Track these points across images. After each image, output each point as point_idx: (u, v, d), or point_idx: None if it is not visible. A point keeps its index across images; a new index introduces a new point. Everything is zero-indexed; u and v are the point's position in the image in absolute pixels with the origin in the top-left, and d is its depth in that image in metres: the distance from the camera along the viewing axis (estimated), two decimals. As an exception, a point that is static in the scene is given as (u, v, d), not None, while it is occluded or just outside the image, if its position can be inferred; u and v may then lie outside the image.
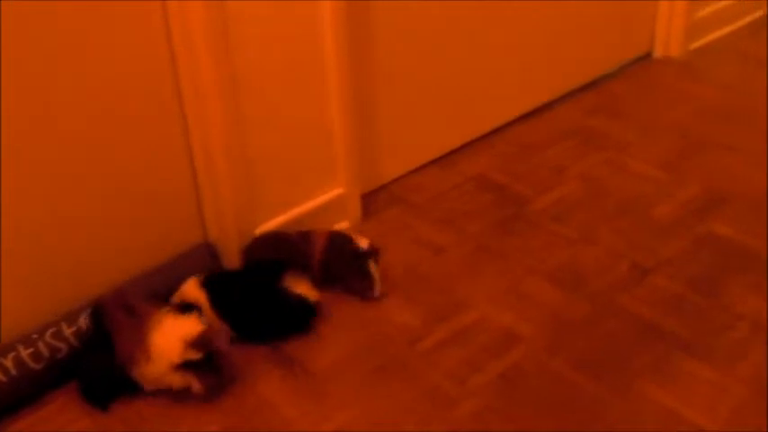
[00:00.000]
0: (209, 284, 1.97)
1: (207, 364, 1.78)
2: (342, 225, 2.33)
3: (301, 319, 2.01)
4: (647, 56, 3.20)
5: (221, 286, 1.98)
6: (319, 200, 2.27)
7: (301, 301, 2.00)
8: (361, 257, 2.07)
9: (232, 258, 2.13)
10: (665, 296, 2.08)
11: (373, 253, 2.08)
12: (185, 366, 1.77)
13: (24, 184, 1.80)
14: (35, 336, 1.84)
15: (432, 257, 2.24)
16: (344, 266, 2.09)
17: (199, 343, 1.76)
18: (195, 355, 1.76)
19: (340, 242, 2.10)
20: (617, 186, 2.50)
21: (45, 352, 1.82)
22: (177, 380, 1.79)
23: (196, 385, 1.79)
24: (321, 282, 2.08)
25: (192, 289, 1.96)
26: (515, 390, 1.84)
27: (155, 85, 1.91)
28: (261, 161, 2.10)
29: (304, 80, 2.10)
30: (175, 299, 1.97)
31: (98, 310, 1.87)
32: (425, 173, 2.59)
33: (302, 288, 2.01)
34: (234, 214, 2.10)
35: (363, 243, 2.09)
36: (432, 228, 2.35)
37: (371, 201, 2.45)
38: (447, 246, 2.28)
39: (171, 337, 1.78)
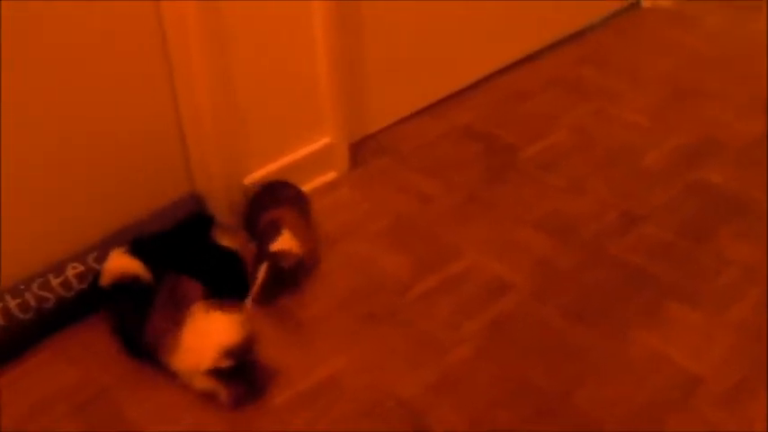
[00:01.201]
0: (138, 251, 1.88)
1: (238, 374, 1.66)
2: (329, 175, 2.32)
3: (236, 271, 1.98)
4: (636, 4, 3.17)
5: (153, 250, 1.90)
6: (307, 149, 2.25)
7: (233, 254, 1.99)
8: (258, 256, 1.92)
9: (219, 207, 2.11)
10: (655, 243, 2.08)
11: (271, 258, 1.89)
12: (215, 373, 1.65)
13: (11, 136, 1.77)
14: (22, 286, 1.82)
15: (420, 206, 2.23)
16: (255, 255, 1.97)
17: (234, 352, 1.64)
18: (226, 364, 1.63)
19: (268, 229, 1.95)
20: (606, 135, 2.49)
21: (32, 302, 1.81)
22: (204, 384, 1.68)
23: (223, 394, 1.68)
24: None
25: (123, 261, 1.86)
26: (506, 336, 1.85)
27: (140, 35, 1.87)
28: (248, 111, 2.08)
29: (291, 28, 2.07)
30: (107, 276, 1.84)
31: (162, 279, 1.83)
32: (413, 122, 2.56)
33: (226, 241, 2.00)
34: (221, 164, 2.08)
35: (280, 244, 1.90)
36: (420, 177, 2.33)
37: (359, 150, 2.43)
38: (436, 195, 2.27)
39: (207, 338, 1.67)
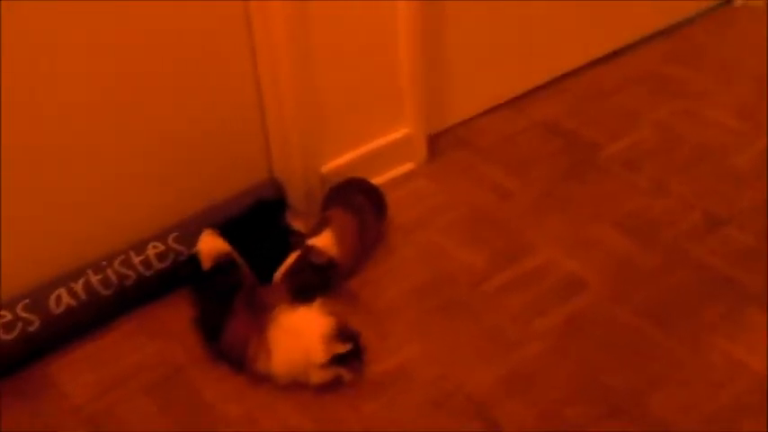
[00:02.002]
0: (225, 234, 1.92)
1: (353, 352, 1.71)
2: (407, 166, 2.32)
3: None
4: (728, 2, 3.09)
5: (235, 233, 1.94)
6: (385, 139, 2.26)
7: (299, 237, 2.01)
8: (296, 245, 1.94)
9: (296, 193, 2.13)
10: (737, 248, 2.03)
11: (304, 249, 1.90)
12: (335, 361, 1.69)
13: (104, 119, 1.82)
14: (104, 263, 1.87)
15: (497, 201, 2.22)
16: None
17: (343, 335, 1.70)
18: (343, 349, 1.69)
19: (318, 225, 1.98)
20: (691, 134, 2.43)
21: (114, 278, 1.86)
22: (323, 375, 1.71)
23: (347, 376, 1.72)
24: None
25: (217, 242, 1.88)
26: (579, 334, 1.83)
27: (225, 21, 1.90)
28: (329, 99, 2.09)
29: (373, 18, 2.07)
30: (206, 259, 1.85)
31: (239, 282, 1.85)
32: (494, 116, 2.55)
33: (299, 225, 2.03)
34: (300, 151, 2.09)
35: (317, 240, 1.91)
36: (498, 171, 2.32)
37: (438, 142, 2.42)
38: (513, 190, 2.25)
39: (303, 335, 1.71)
